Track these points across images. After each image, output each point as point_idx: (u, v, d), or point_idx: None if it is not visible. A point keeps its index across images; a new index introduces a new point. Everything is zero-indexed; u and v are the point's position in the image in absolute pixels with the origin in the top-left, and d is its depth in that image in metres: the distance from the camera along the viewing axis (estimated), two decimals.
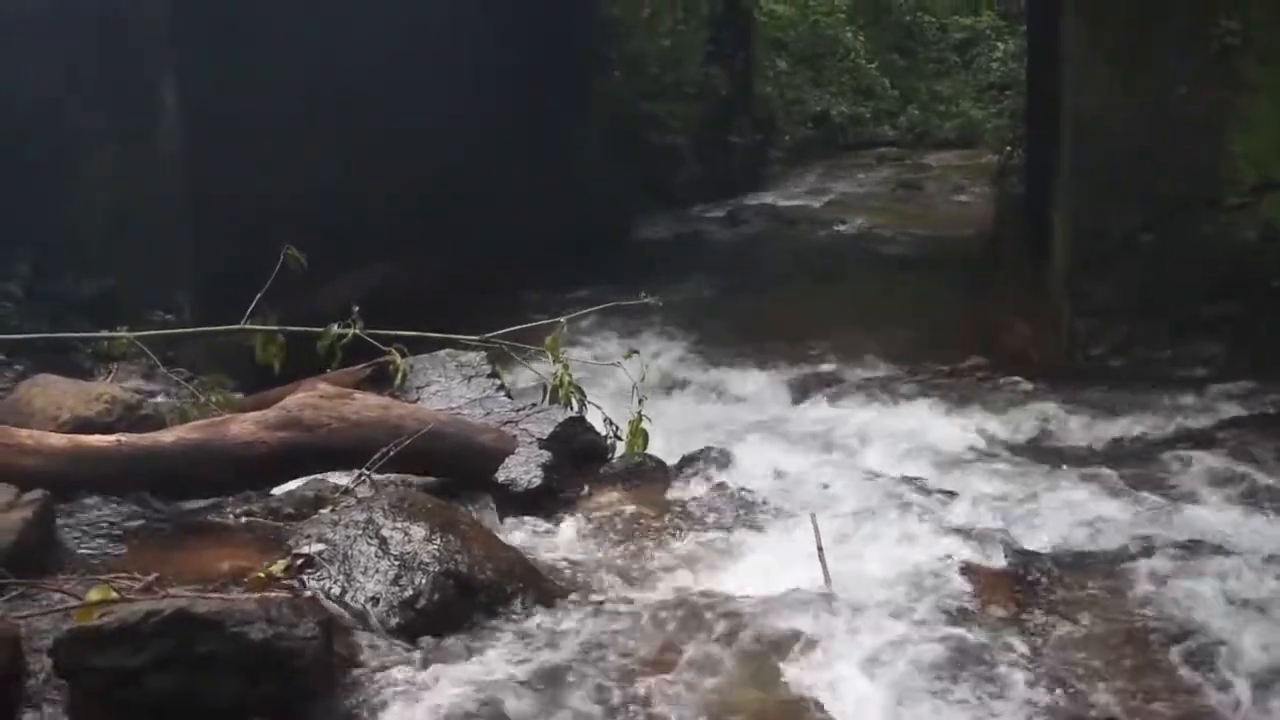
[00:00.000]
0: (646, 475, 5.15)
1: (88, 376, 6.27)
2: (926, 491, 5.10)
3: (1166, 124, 7.44)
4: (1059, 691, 3.44)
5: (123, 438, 4.57)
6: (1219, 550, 4.36)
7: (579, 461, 5.20)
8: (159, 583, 3.56)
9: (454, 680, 3.36)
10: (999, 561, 4.24)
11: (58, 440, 4.48)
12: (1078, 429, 6.87)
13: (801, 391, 7.97)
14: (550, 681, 3.40)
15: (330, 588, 3.75)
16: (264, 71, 8.84)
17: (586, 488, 5.01)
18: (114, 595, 3.26)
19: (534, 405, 5.56)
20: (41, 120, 7.69)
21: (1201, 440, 6.43)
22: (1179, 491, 5.51)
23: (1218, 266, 7.46)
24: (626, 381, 5.60)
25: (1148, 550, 4.34)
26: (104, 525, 4.34)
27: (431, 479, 4.88)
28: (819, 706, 3.35)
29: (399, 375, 5.26)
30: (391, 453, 4.49)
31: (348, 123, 9.84)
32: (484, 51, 11.80)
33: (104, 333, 6.12)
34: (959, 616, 3.82)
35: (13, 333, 6.50)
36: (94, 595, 3.22)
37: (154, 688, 3.02)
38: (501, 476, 4.86)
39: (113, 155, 7.94)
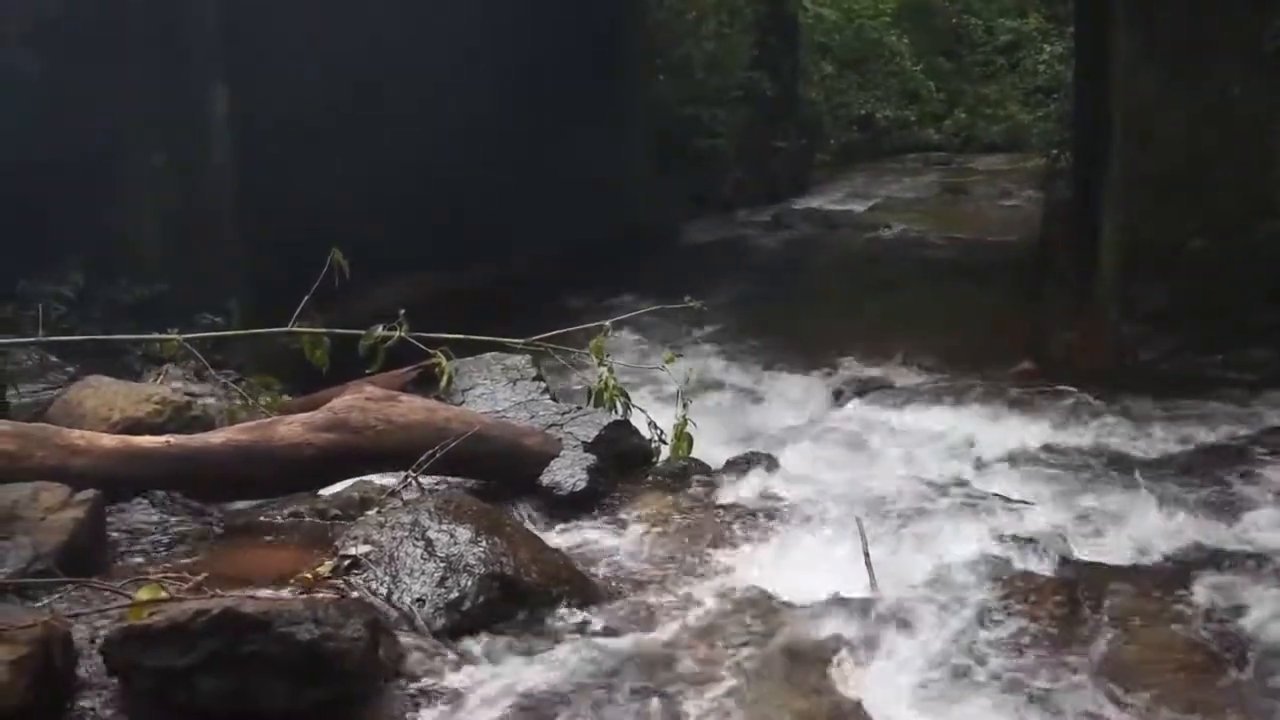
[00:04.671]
0: (691, 479, 5.14)
1: (138, 378, 6.34)
2: (973, 497, 5.07)
3: (1218, 128, 7.35)
4: (1110, 706, 3.39)
5: (172, 439, 4.62)
6: (1274, 560, 4.29)
7: (623, 465, 5.19)
8: (207, 582, 3.58)
9: (499, 683, 3.37)
10: (1047, 569, 4.19)
11: (109, 441, 4.52)
12: (1126, 435, 6.77)
13: (846, 396, 7.92)
14: (595, 685, 3.40)
15: (377, 589, 3.77)
16: (311, 80, 8.92)
17: (631, 491, 5.00)
18: (163, 595, 3.28)
19: (578, 408, 5.56)
20: (94, 127, 7.80)
21: (1252, 447, 6.33)
22: (1230, 499, 5.43)
23: (1270, 272, 7.35)
24: (670, 385, 5.59)
25: (1200, 559, 4.28)
26: (153, 525, 4.38)
27: (477, 481, 4.89)
28: (864, 714, 3.32)
29: (444, 378, 5.27)
30: (437, 455, 4.50)
31: (393, 129, 9.90)
32: (529, 57, 11.83)
33: (154, 335, 6.19)
34: (1006, 625, 3.78)
35: (65, 335, 6.58)
36: (143, 594, 3.24)
37: (203, 687, 3.04)
38: (546, 479, 4.86)
39: (164, 162, 8.03)
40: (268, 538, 4.37)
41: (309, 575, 3.71)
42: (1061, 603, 3.95)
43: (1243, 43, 7.31)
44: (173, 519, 4.45)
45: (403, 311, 5.17)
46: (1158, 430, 6.78)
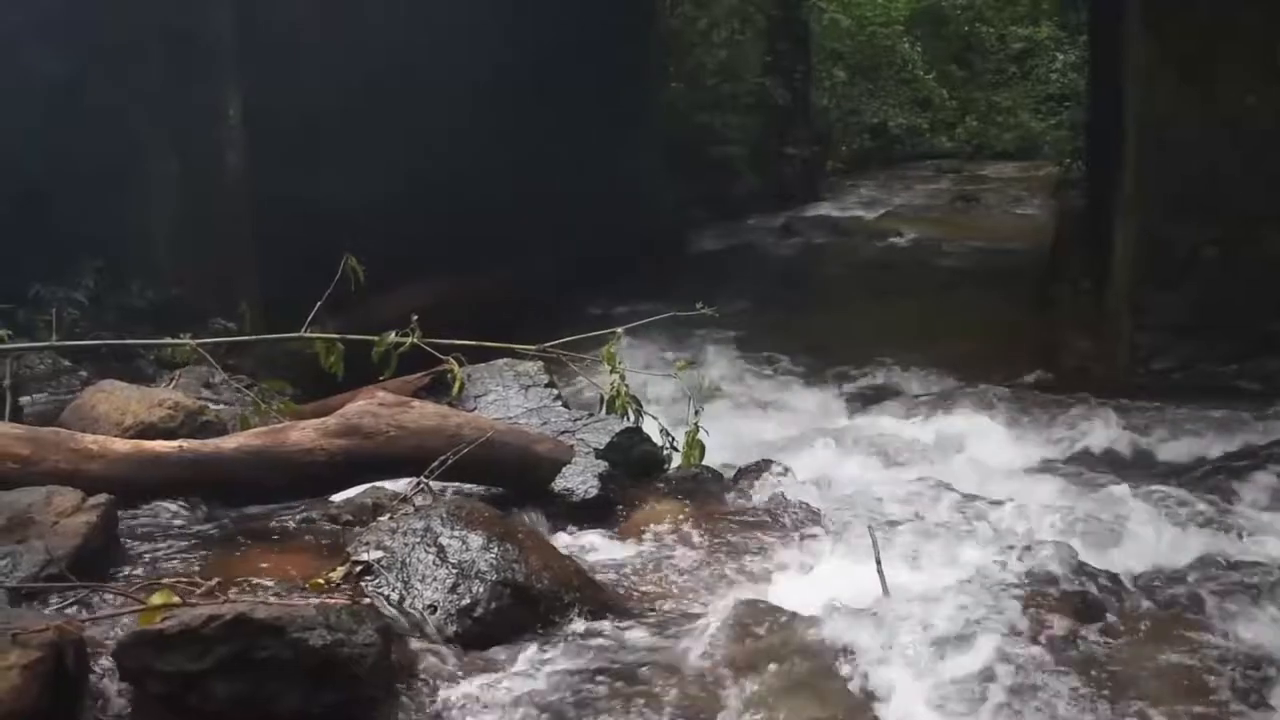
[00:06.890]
0: (703, 486, 5.14)
1: (151, 383, 6.35)
2: (986, 506, 5.06)
3: (1233, 137, 7.34)
4: (1119, 716, 3.37)
5: (185, 444, 4.62)
6: None
7: (635, 472, 5.19)
8: (220, 587, 3.59)
9: (511, 690, 3.37)
10: (1059, 579, 4.16)
11: (121, 445, 4.53)
12: (1139, 445, 6.77)
13: (858, 404, 7.93)
14: (607, 692, 3.39)
15: (389, 595, 3.76)
16: (324, 85, 8.93)
17: (643, 498, 4.99)
18: (176, 599, 3.28)
19: (590, 415, 5.56)
20: (107, 132, 7.83)
21: (1266, 457, 6.32)
22: (1244, 510, 5.42)
23: None
24: (683, 392, 5.59)
25: (1213, 571, 4.25)
26: (166, 530, 4.38)
27: (489, 488, 4.89)
28: None
29: (456, 384, 5.28)
30: (449, 461, 4.50)
31: (408, 135, 9.92)
32: (543, 64, 11.84)
33: (167, 340, 6.21)
34: (1018, 634, 3.75)
35: (79, 339, 6.61)
36: (156, 599, 3.25)
37: (216, 692, 3.04)
38: (558, 486, 4.86)
39: (177, 167, 8.07)
40: (280, 543, 4.37)
41: (321, 581, 3.71)
42: (1072, 613, 3.92)
43: (1256, 52, 7.30)
44: (185, 524, 4.45)
45: (415, 317, 5.18)
46: (1170, 440, 6.77)
